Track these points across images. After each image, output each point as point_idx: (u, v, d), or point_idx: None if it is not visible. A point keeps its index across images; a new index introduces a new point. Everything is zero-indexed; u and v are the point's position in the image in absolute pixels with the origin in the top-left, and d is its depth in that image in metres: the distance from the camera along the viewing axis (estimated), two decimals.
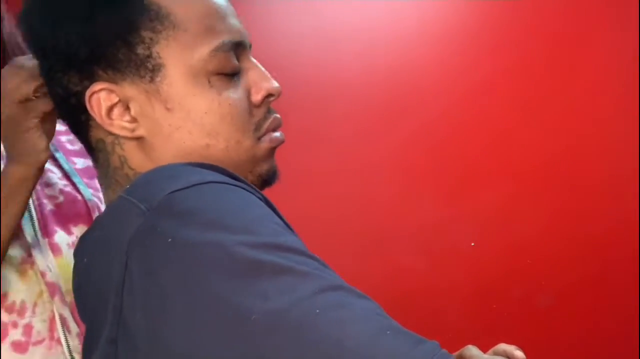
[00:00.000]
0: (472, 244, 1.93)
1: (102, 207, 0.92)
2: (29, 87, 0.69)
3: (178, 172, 0.53)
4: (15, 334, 0.81)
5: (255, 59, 0.64)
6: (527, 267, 1.92)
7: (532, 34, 1.97)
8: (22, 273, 0.82)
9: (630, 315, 1.88)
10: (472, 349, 0.60)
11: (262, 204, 0.53)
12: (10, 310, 0.82)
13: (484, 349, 0.62)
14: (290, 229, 0.54)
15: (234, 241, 0.47)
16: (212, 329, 0.45)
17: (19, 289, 0.82)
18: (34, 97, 0.70)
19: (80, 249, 0.60)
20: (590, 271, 1.91)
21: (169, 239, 0.48)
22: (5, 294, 0.82)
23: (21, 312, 0.82)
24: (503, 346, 0.61)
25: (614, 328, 1.88)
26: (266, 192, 0.68)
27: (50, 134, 0.74)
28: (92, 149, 0.62)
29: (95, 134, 0.61)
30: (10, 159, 0.74)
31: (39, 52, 0.62)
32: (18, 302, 0.82)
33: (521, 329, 1.86)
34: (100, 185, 0.65)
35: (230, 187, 0.52)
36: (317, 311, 0.44)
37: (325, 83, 1.96)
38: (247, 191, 0.53)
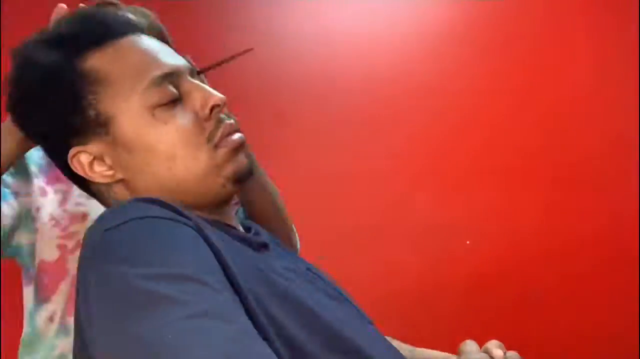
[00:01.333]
0: (467, 242, 1.94)
1: None
2: None
3: (123, 209, 0.61)
4: None
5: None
6: (522, 266, 1.93)
7: (529, 35, 1.98)
8: None
9: (625, 312, 1.89)
10: (469, 345, 0.63)
11: (188, 237, 0.58)
12: None
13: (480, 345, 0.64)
14: (218, 255, 0.58)
15: (134, 274, 0.53)
16: (110, 354, 0.51)
17: None
18: None
19: None
20: (584, 269, 1.92)
21: (96, 271, 0.56)
22: None
23: None
24: (488, 344, 0.63)
25: (609, 325, 1.89)
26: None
27: None
28: (95, 196, 0.73)
29: (93, 186, 0.71)
30: None
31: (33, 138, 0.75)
32: None
33: (515, 326, 1.87)
34: None
35: (163, 221, 0.59)
36: (170, 336, 0.48)
37: (324, 85, 1.97)
38: (185, 224, 0.59)
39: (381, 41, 1.99)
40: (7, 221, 0.95)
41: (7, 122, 0.84)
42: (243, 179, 0.70)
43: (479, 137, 1.97)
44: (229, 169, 0.68)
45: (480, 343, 0.64)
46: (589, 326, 1.89)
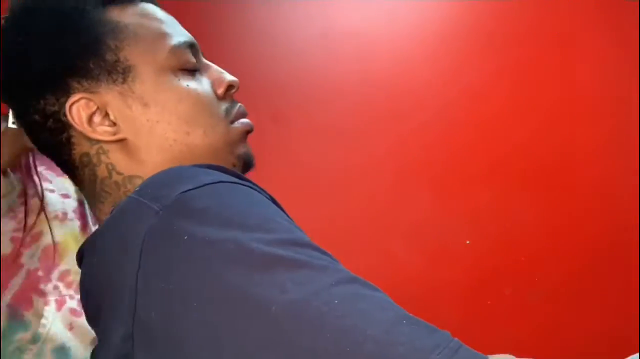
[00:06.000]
0: (467, 242, 1.94)
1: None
2: None
3: (188, 173, 0.54)
4: (71, 304, 0.98)
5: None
6: (522, 265, 1.93)
7: (527, 36, 1.98)
8: None
9: (625, 312, 1.89)
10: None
11: (271, 203, 0.54)
12: (69, 286, 0.98)
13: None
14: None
15: (250, 238, 0.47)
16: (231, 324, 0.45)
17: (78, 271, 0.88)
18: None
19: (89, 250, 0.60)
20: (584, 269, 1.93)
21: (185, 237, 0.48)
22: (68, 272, 0.99)
23: (77, 289, 0.92)
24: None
25: (609, 325, 1.89)
26: (269, 186, 0.70)
27: None
28: (76, 167, 0.63)
29: (78, 149, 0.62)
30: None
31: (13, 85, 0.64)
32: (76, 281, 0.96)
33: (515, 326, 1.88)
34: (89, 204, 0.66)
35: (240, 187, 0.53)
36: (336, 301, 0.44)
37: (323, 84, 1.97)
38: (256, 190, 0.55)
39: (381, 41, 1.99)
40: None
41: (7, 129, 0.85)
42: (251, 165, 0.68)
43: (480, 137, 1.97)
44: (242, 150, 0.66)
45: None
46: (589, 326, 1.89)
